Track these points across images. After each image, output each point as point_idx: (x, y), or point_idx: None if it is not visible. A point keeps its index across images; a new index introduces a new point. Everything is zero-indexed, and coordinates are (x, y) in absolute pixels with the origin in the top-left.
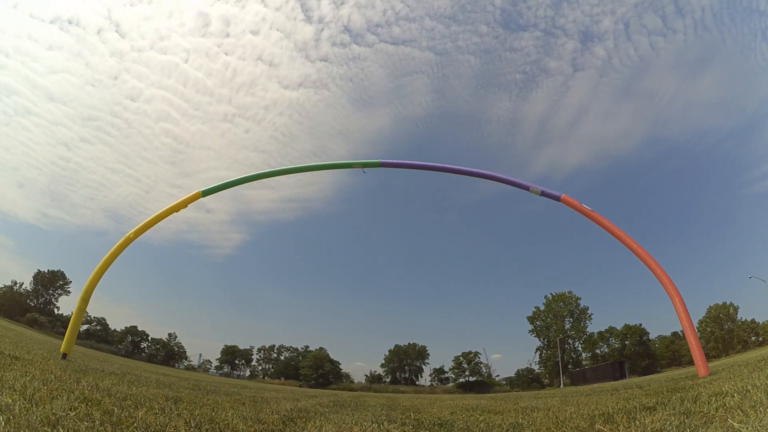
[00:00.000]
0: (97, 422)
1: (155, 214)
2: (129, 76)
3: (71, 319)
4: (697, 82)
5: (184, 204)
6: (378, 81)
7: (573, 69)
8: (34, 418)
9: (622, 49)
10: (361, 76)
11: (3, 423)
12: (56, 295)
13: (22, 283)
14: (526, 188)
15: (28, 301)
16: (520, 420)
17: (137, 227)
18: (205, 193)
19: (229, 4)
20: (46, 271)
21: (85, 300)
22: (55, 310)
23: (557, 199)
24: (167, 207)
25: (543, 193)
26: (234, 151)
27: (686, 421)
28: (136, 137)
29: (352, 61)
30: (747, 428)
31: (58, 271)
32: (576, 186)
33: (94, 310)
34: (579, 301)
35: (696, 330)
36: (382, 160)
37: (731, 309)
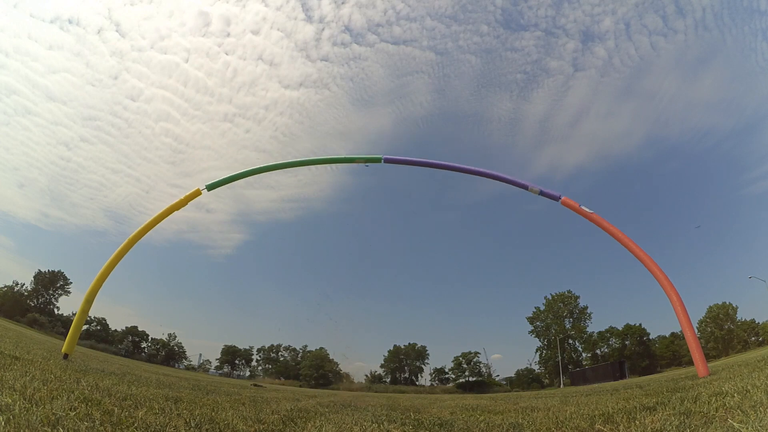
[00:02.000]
0: (97, 422)
1: (157, 214)
2: (129, 75)
3: (74, 320)
4: (698, 82)
5: (184, 202)
6: (379, 81)
7: (574, 69)
8: (34, 418)
9: (623, 49)
10: (362, 76)
11: (3, 423)
12: (56, 296)
13: (23, 284)
14: (525, 187)
15: (29, 301)
16: (520, 420)
17: (140, 228)
18: (210, 187)
19: (229, 4)
20: (46, 271)
21: (89, 301)
22: (55, 310)
23: (556, 199)
24: (168, 206)
25: (542, 193)
26: (234, 151)
27: (686, 421)
28: (136, 137)
29: (353, 60)
30: (747, 428)
31: (59, 271)
32: (576, 186)
33: (94, 310)
34: (579, 300)
35: (696, 330)
36: (384, 156)
37: (731, 309)
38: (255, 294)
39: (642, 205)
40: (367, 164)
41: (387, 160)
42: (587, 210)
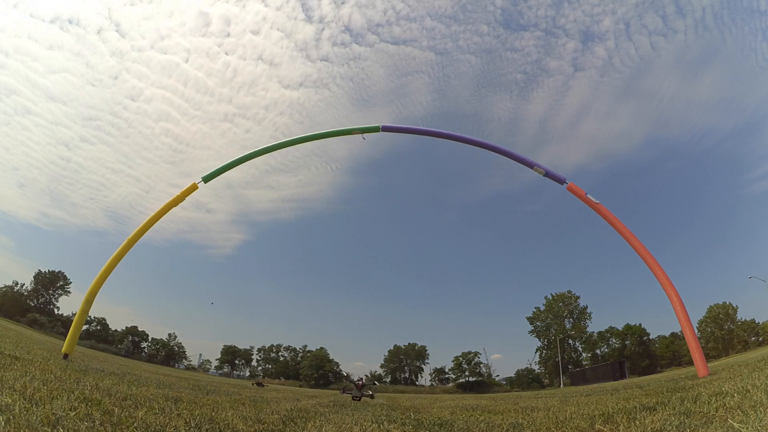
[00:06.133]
0: (97, 422)
1: (154, 212)
2: (129, 75)
3: (74, 320)
4: (697, 82)
5: (181, 197)
6: (379, 81)
7: (574, 69)
8: (34, 418)
9: (623, 49)
10: (362, 76)
11: (3, 423)
12: (56, 296)
13: (23, 284)
14: (531, 166)
15: (29, 301)
16: (520, 420)
17: (138, 228)
18: (206, 178)
19: (229, 4)
20: (46, 271)
21: (89, 302)
22: (55, 310)
23: (562, 182)
24: (165, 203)
25: (547, 174)
26: (234, 151)
27: (686, 421)
28: (136, 137)
29: (353, 60)
30: (747, 428)
31: (59, 271)
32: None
33: (94, 310)
34: (579, 300)
35: (696, 330)
36: (382, 125)
37: (731, 309)
38: (255, 294)
39: (642, 205)
40: (363, 136)
41: (385, 129)
42: (593, 200)
